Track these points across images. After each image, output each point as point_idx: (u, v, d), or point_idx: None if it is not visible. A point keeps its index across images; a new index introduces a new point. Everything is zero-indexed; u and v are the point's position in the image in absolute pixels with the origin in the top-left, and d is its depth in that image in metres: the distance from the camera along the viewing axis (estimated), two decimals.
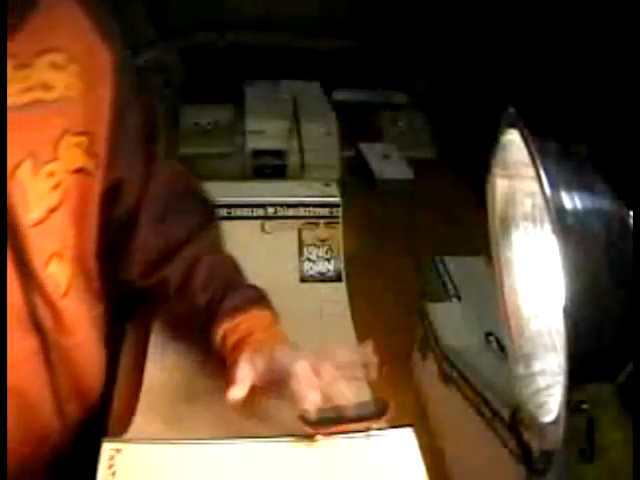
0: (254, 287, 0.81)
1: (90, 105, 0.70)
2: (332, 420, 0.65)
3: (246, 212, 0.95)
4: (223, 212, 0.95)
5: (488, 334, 0.78)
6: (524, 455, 0.57)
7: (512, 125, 0.53)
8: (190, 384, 0.78)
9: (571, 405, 0.47)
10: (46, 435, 0.78)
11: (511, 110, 0.52)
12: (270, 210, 0.95)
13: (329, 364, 0.69)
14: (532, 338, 0.56)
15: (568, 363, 0.45)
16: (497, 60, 1.37)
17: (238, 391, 0.68)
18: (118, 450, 0.63)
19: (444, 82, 1.56)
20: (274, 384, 0.70)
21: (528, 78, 1.24)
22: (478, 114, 1.04)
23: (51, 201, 0.68)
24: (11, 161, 0.63)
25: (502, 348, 0.73)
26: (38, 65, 0.65)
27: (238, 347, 0.73)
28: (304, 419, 0.64)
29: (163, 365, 0.80)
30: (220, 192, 0.96)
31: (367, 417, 0.66)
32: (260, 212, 0.95)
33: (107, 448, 0.63)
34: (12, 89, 0.62)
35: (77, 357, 0.77)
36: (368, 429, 0.65)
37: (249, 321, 0.76)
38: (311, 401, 0.64)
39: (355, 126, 1.44)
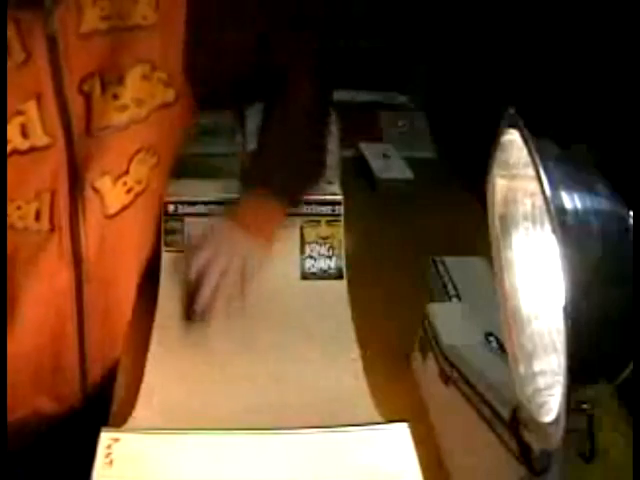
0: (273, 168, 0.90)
1: (165, 38, 0.75)
2: None
3: None
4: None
5: (488, 334, 0.78)
6: (524, 455, 0.57)
7: (512, 125, 0.53)
8: (190, 376, 0.78)
9: (571, 405, 0.47)
10: (66, 384, 0.83)
11: (511, 110, 0.52)
12: None
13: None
14: (532, 338, 0.56)
15: (568, 363, 0.45)
16: (497, 60, 1.37)
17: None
18: (116, 439, 0.63)
19: (444, 82, 1.56)
20: None
21: (528, 78, 1.24)
22: (478, 114, 1.04)
23: (113, 120, 0.73)
24: (79, 74, 0.69)
25: (502, 348, 0.73)
26: None
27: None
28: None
29: (164, 358, 0.80)
30: (223, 189, 0.96)
31: None
32: None
33: (105, 437, 0.63)
34: (90, 16, 0.69)
35: (110, 296, 0.81)
36: None
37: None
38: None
39: (355, 126, 1.44)
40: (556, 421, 0.49)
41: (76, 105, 0.70)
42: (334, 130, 1.30)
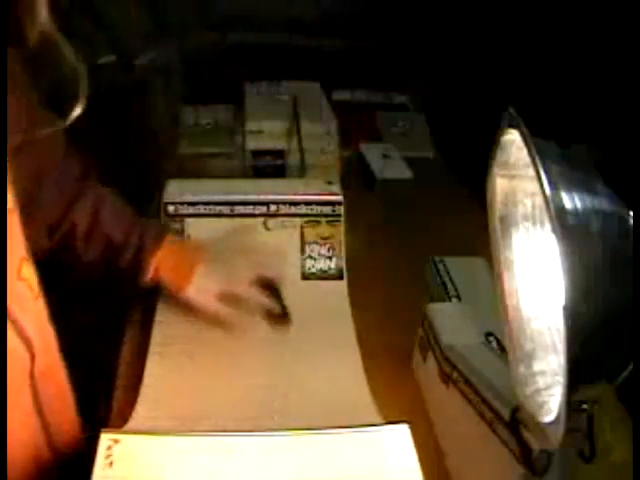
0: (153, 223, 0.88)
1: None
2: None
3: (249, 209, 0.96)
4: (226, 209, 0.95)
5: (488, 334, 0.78)
6: (524, 455, 0.57)
7: (512, 125, 0.53)
8: (190, 377, 0.78)
9: (571, 405, 0.47)
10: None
11: (511, 110, 0.52)
12: (272, 208, 0.95)
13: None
14: (532, 338, 0.56)
15: (568, 363, 0.45)
16: (496, 60, 1.37)
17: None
18: (116, 441, 0.63)
19: (444, 82, 1.56)
20: None
21: (528, 78, 1.24)
22: (478, 114, 1.04)
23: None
24: None
25: (502, 348, 0.73)
26: None
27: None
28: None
29: (164, 358, 0.80)
30: (223, 189, 0.96)
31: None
32: (262, 210, 0.95)
33: (105, 438, 0.63)
34: None
35: (48, 373, 0.66)
36: None
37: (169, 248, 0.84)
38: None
39: (355, 126, 1.44)
40: (556, 421, 0.49)
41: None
42: (334, 130, 1.31)
